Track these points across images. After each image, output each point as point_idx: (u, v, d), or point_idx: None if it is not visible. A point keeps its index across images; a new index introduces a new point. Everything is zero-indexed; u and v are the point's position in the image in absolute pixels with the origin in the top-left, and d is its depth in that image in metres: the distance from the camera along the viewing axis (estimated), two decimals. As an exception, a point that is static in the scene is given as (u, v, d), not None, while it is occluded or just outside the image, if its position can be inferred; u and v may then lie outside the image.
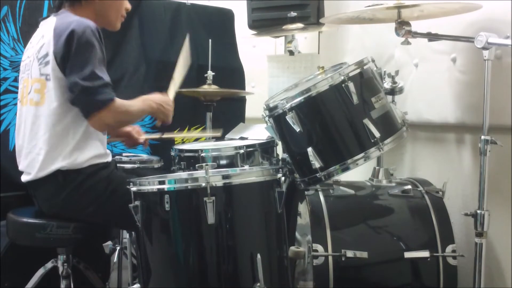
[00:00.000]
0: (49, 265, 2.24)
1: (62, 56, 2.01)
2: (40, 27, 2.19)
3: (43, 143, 2.06)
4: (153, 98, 2.23)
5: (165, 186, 1.86)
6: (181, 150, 2.37)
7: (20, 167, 2.17)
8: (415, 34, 2.08)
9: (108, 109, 2.01)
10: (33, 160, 2.09)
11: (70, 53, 2.00)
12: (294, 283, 2.35)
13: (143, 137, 2.47)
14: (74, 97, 2.01)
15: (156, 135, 2.64)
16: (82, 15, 2.10)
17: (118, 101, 2.04)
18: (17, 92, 2.29)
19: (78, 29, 2.00)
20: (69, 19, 2.07)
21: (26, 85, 2.14)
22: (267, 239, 1.96)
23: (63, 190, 2.07)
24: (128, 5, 2.28)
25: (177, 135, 2.63)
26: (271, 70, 2.80)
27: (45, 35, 2.08)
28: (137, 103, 2.17)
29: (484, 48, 1.88)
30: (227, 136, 2.68)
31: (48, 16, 2.19)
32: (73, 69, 2.00)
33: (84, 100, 2.01)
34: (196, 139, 3.19)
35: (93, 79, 1.99)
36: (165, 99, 2.28)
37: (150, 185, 1.90)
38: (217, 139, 2.71)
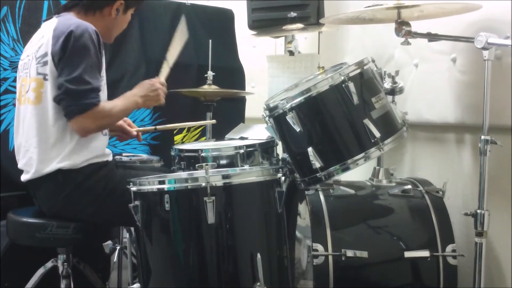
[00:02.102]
0: (49, 264, 2.24)
1: (59, 57, 2.01)
2: (41, 28, 2.19)
3: (41, 142, 2.06)
4: (138, 93, 2.20)
5: (165, 186, 1.87)
6: (181, 150, 2.37)
7: (19, 165, 2.17)
8: (415, 34, 2.09)
9: (89, 114, 2.00)
10: (31, 159, 2.10)
11: (65, 55, 2.00)
12: (294, 283, 2.35)
13: (135, 129, 2.47)
14: (58, 97, 2.01)
15: (149, 128, 2.63)
16: (90, 23, 2.10)
17: (101, 106, 2.03)
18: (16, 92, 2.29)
19: (76, 31, 2.00)
20: (70, 21, 2.07)
21: (25, 84, 2.14)
22: (267, 239, 1.97)
23: (62, 190, 2.07)
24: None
25: (170, 126, 2.62)
26: (271, 70, 2.80)
27: (45, 35, 2.09)
28: (120, 103, 2.14)
29: (484, 48, 1.88)
30: (227, 136, 2.68)
31: (50, 18, 2.19)
32: (63, 70, 2.00)
33: (67, 102, 2.00)
34: (196, 139, 3.19)
35: (79, 83, 1.98)
36: (151, 84, 2.24)
37: (150, 185, 1.90)
38: (217, 139, 2.71)
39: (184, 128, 3.18)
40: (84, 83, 1.99)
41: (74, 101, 1.99)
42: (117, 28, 2.28)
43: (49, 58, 2.04)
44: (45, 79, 2.05)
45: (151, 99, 2.23)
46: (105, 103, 2.07)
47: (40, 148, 2.06)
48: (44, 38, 2.08)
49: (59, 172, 2.05)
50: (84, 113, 2.00)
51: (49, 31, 2.07)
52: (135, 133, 2.44)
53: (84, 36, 2.01)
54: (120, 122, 2.41)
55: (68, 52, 2.00)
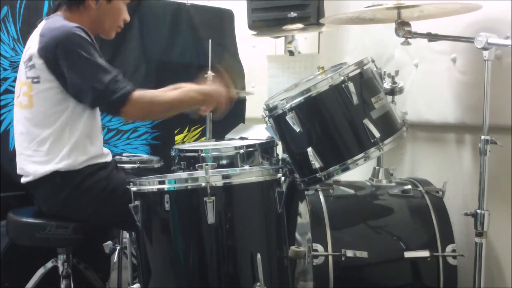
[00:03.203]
0: (49, 265, 2.24)
1: (52, 60, 1.98)
2: (35, 30, 2.18)
3: (37, 145, 2.06)
4: (198, 89, 2.13)
5: (165, 186, 1.87)
6: (181, 150, 2.37)
7: (18, 169, 2.16)
8: (415, 34, 2.08)
9: (129, 104, 1.97)
10: (27, 162, 2.09)
11: (62, 60, 1.97)
12: (294, 283, 2.35)
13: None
14: (92, 103, 2.02)
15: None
16: (77, 20, 2.09)
17: (138, 93, 1.99)
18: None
19: (62, 36, 1.98)
20: (56, 24, 2.05)
21: (17, 88, 2.15)
22: (267, 239, 1.96)
23: (61, 191, 2.06)
24: (127, 17, 2.26)
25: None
26: (271, 70, 2.80)
27: (32, 39, 2.08)
28: (172, 93, 2.08)
29: (484, 48, 1.88)
30: (227, 136, 2.68)
31: (41, 20, 2.18)
32: (75, 80, 1.97)
33: (102, 105, 2.02)
34: (196, 139, 3.20)
35: (98, 82, 1.96)
36: (218, 89, 2.16)
37: (150, 185, 1.90)
38: (217, 139, 2.71)
39: (184, 128, 3.18)
40: (101, 81, 1.96)
41: (106, 101, 1.98)
42: (108, 19, 2.20)
43: (36, 61, 2.01)
44: (33, 82, 2.04)
45: (213, 101, 2.14)
46: (146, 91, 2.03)
47: (39, 152, 2.06)
48: (31, 41, 2.08)
49: (57, 173, 2.05)
50: (122, 106, 1.97)
51: (36, 36, 2.06)
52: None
53: (72, 38, 1.97)
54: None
55: (68, 59, 1.97)
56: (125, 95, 1.97)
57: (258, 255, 1.83)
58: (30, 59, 2.04)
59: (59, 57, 1.98)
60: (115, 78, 1.99)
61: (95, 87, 1.97)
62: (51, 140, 2.05)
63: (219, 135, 2.76)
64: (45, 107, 2.04)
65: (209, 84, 2.21)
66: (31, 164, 2.08)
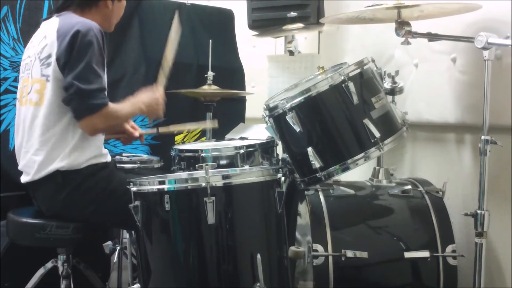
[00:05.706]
0: (49, 265, 2.24)
1: (65, 58, 2.01)
2: (42, 27, 2.18)
3: (42, 143, 2.06)
4: (143, 100, 2.22)
5: (165, 186, 1.87)
6: (181, 150, 2.37)
7: (19, 167, 2.17)
8: (415, 34, 2.08)
9: (100, 114, 2.00)
10: (30, 161, 2.09)
11: (72, 54, 2.00)
12: (294, 283, 2.35)
13: (138, 132, 2.46)
14: (68, 98, 2.01)
15: (151, 130, 2.62)
16: (89, 19, 2.10)
17: (110, 106, 2.04)
18: (17, 92, 2.29)
19: (82, 29, 2.01)
20: (73, 20, 2.07)
21: (26, 85, 2.14)
22: (267, 239, 1.96)
23: (62, 191, 2.07)
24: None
25: (172, 129, 2.61)
26: (271, 70, 2.80)
27: (48, 36, 2.08)
28: (126, 107, 2.16)
29: (484, 48, 1.88)
30: (227, 136, 2.68)
31: (50, 17, 2.19)
32: (71, 70, 1.99)
33: (78, 102, 2.00)
34: (196, 139, 3.19)
35: (89, 82, 1.98)
36: (154, 96, 2.26)
37: (150, 185, 1.90)
38: (217, 139, 2.71)
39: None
40: (93, 83, 1.99)
41: (84, 101, 1.99)
42: (116, 16, 2.28)
43: (53, 59, 2.03)
44: (47, 80, 2.05)
45: (153, 110, 2.26)
46: (113, 104, 2.08)
47: (42, 150, 2.06)
48: (47, 39, 2.08)
49: (58, 173, 2.05)
50: (95, 113, 2.00)
51: (52, 32, 2.06)
52: (137, 134, 2.43)
53: (90, 35, 2.01)
54: (125, 125, 2.41)
55: (76, 50, 1.99)
56: (102, 105, 2.00)
57: (258, 255, 1.83)
58: (48, 57, 2.05)
59: (74, 48, 1.99)
60: (101, 88, 2.02)
61: (82, 84, 1.98)
62: (55, 139, 2.05)
63: (219, 135, 2.76)
64: (52, 106, 2.05)
65: (151, 94, 2.27)
66: (34, 162, 2.08)
